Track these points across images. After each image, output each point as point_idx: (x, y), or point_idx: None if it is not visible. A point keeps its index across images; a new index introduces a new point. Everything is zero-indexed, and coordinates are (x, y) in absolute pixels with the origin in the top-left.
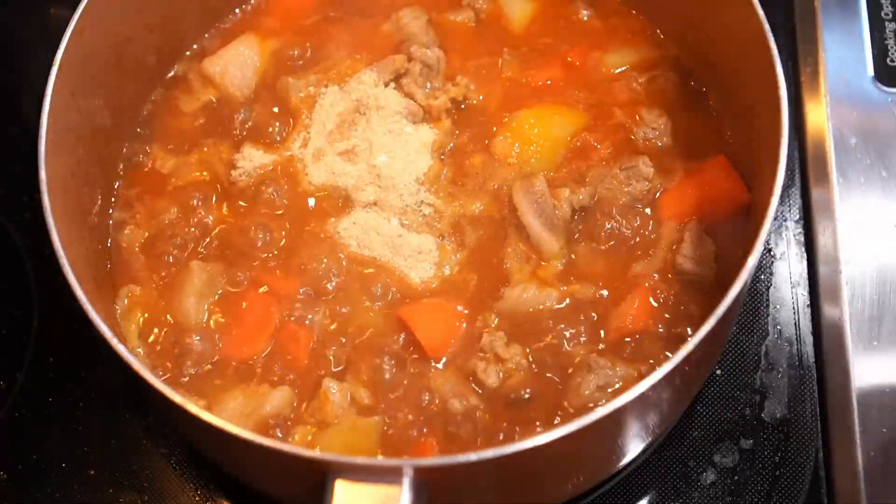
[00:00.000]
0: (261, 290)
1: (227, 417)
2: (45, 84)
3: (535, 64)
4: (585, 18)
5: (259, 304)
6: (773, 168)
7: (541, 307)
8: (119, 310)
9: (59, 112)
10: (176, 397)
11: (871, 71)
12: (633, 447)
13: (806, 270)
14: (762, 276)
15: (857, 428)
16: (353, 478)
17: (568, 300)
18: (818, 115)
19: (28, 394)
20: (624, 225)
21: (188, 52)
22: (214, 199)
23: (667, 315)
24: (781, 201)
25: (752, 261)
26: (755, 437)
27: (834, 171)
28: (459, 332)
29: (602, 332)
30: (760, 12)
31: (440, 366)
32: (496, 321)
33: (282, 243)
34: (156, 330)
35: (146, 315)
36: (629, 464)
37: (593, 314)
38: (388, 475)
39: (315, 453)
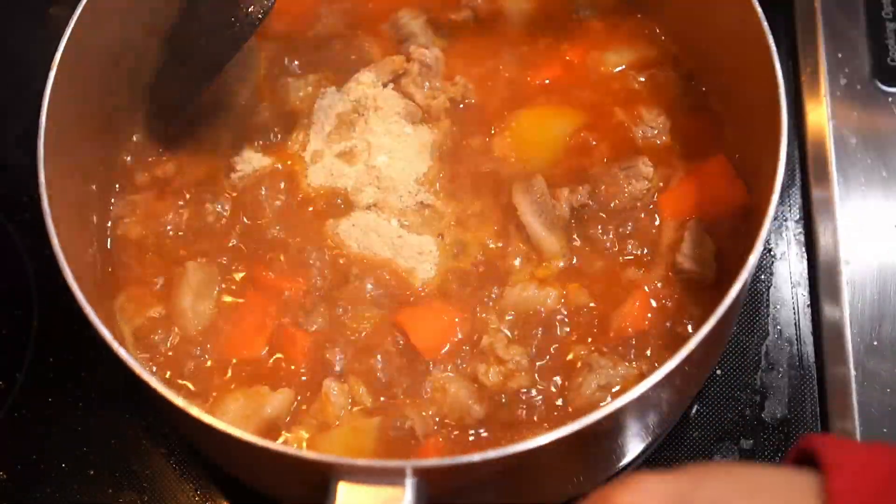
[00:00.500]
0: (259, 291)
1: (229, 419)
2: (45, 84)
3: (535, 63)
4: (584, 18)
5: (258, 306)
6: (773, 168)
7: (541, 307)
8: (119, 310)
9: (57, 114)
10: (178, 400)
11: (871, 70)
12: (633, 447)
13: (806, 270)
14: (762, 276)
15: (857, 428)
16: (355, 479)
17: (567, 300)
18: (818, 115)
19: (28, 394)
20: (623, 224)
21: None
22: (213, 200)
23: (667, 315)
24: (781, 201)
25: (752, 261)
26: (755, 438)
27: (834, 171)
28: (457, 334)
29: (602, 331)
30: (760, 12)
31: (440, 367)
32: (496, 321)
33: (281, 245)
34: (159, 331)
35: (146, 315)
36: (629, 464)
37: (594, 314)
38: (390, 476)
39: (317, 455)
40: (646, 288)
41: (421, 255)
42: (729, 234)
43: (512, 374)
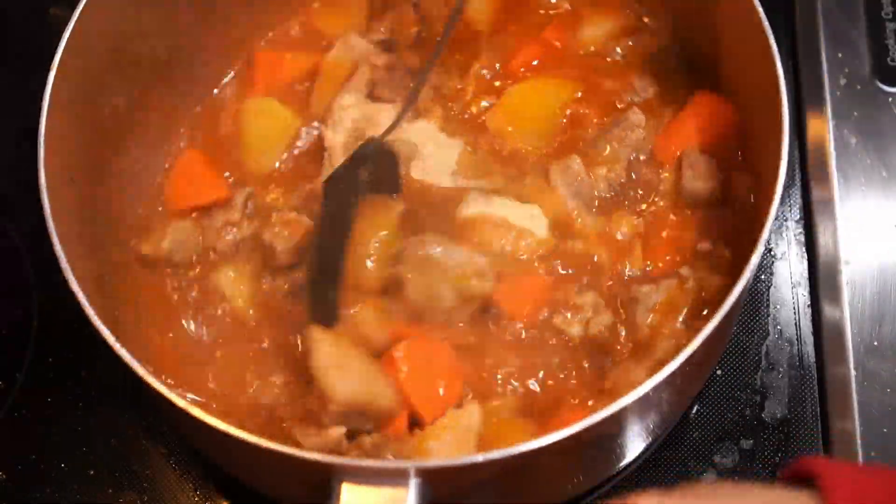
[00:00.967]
0: None
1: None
2: (45, 84)
3: (512, 51)
4: (553, 1)
5: None
6: (773, 168)
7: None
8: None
9: (57, 117)
10: (179, 402)
11: (871, 70)
12: (634, 447)
13: (806, 270)
14: (762, 277)
15: (857, 428)
16: (358, 480)
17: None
18: (818, 115)
19: (28, 394)
20: (634, 179)
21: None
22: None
23: (686, 241)
24: (782, 201)
25: (753, 261)
26: (755, 438)
27: (834, 171)
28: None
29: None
30: (760, 12)
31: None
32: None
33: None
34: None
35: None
36: (629, 464)
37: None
38: (393, 477)
39: (320, 456)
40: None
41: None
42: (729, 159)
43: (590, 319)
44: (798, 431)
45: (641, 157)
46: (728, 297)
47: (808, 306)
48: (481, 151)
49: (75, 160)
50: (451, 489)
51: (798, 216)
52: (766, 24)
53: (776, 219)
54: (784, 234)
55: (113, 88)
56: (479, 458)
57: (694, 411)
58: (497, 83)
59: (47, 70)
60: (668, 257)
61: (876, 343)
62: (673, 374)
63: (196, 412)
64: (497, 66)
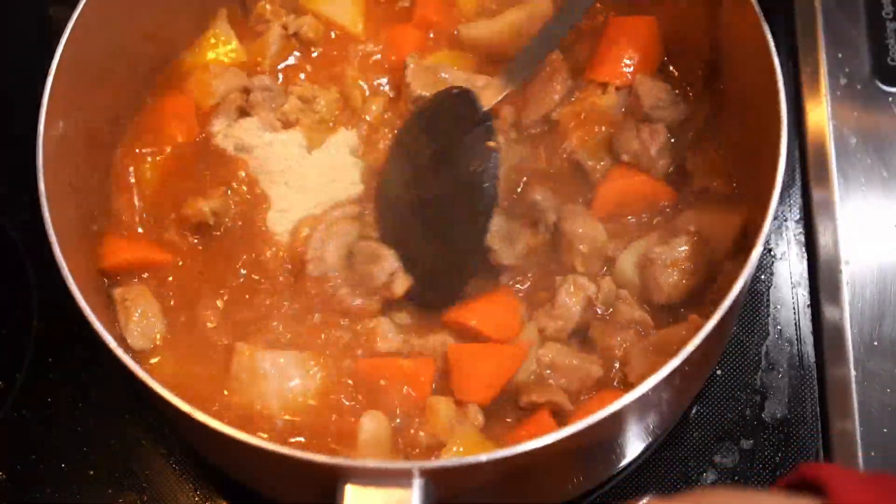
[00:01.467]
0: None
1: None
2: (45, 84)
3: (394, 41)
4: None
5: None
6: (773, 168)
7: None
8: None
9: (55, 123)
10: (183, 406)
11: (871, 70)
12: (634, 447)
13: (806, 270)
14: (762, 276)
15: (857, 428)
16: (363, 482)
17: None
18: (818, 115)
19: (28, 394)
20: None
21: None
22: None
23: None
24: (782, 201)
25: (753, 260)
26: (755, 438)
27: (834, 171)
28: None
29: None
30: (760, 12)
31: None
32: None
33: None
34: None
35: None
36: (629, 464)
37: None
38: (398, 478)
39: (325, 458)
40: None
41: None
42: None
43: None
44: (798, 431)
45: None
46: (727, 296)
47: (808, 306)
48: None
49: (74, 169)
50: (456, 489)
51: (798, 216)
52: (765, 25)
53: (776, 219)
54: (784, 234)
55: (108, 97)
56: (483, 457)
57: (694, 411)
58: None
59: (47, 69)
60: None
61: (876, 343)
62: (672, 374)
63: (200, 416)
64: None
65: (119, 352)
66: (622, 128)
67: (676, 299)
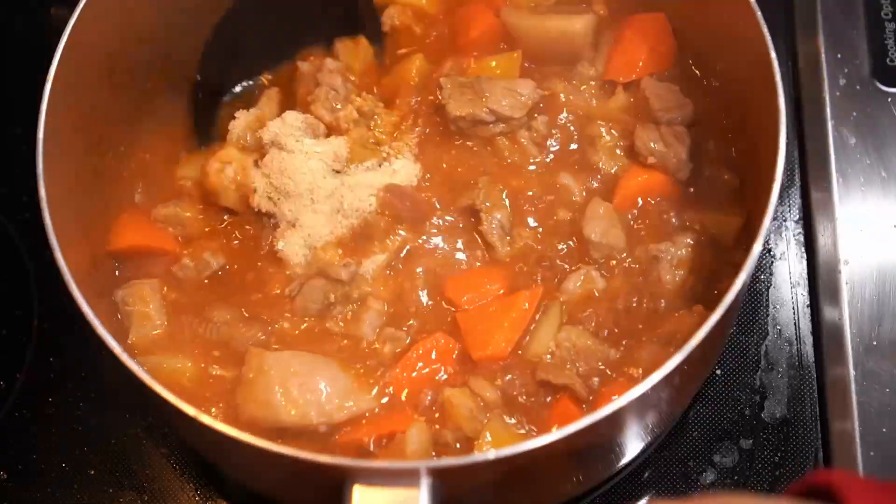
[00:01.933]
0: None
1: None
2: (44, 84)
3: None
4: None
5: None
6: (772, 168)
7: None
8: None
9: (55, 124)
10: (190, 410)
11: (870, 71)
12: (633, 447)
13: (806, 270)
14: (762, 276)
15: (856, 428)
16: (370, 482)
17: None
18: (818, 115)
19: (28, 394)
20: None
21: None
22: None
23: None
24: (781, 201)
25: (752, 260)
26: (755, 437)
27: (834, 171)
28: None
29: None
30: (759, 13)
31: None
32: None
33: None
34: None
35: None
36: (629, 463)
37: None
38: (405, 478)
39: (332, 459)
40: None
41: None
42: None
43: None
44: (797, 431)
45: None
46: (727, 296)
47: (808, 306)
48: None
49: (73, 174)
50: (461, 488)
51: (797, 216)
52: (765, 25)
53: (775, 219)
54: (783, 234)
55: (106, 102)
56: (491, 455)
57: (693, 411)
58: None
59: (47, 69)
60: None
61: (875, 343)
62: (672, 374)
63: (206, 419)
64: None
65: (119, 352)
66: (643, 129)
67: (681, 297)
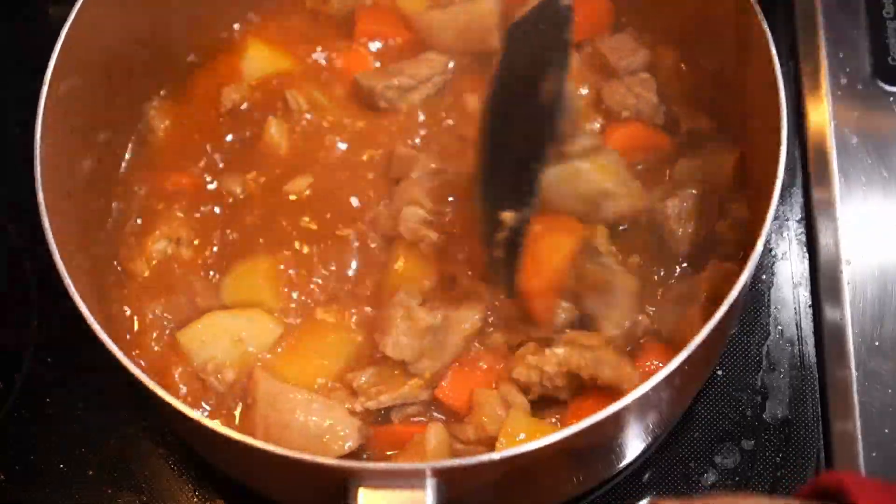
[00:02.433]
0: None
1: None
2: (44, 84)
3: None
4: None
5: None
6: (773, 168)
7: None
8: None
9: (54, 123)
10: (193, 413)
11: (872, 70)
12: (634, 448)
13: (807, 270)
14: (763, 277)
15: (858, 429)
16: (375, 485)
17: None
18: (819, 115)
19: (28, 394)
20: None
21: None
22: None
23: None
24: (783, 201)
25: (753, 260)
26: (756, 438)
27: (835, 171)
28: None
29: None
30: (760, 12)
31: None
32: None
33: None
34: None
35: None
36: (630, 464)
37: None
38: (410, 479)
39: (336, 461)
40: None
41: None
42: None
43: None
44: (799, 432)
45: None
46: (728, 296)
47: (809, 306)
48: None
49: (72, 178)
50: (464, 489)
51: (799, 216)
52: (765, 25)
53: (776, 219)
54: (785, 234)
55: (104, 105)
56: (496, 456)
57: (695, 411)
58: None
59: (46, 69)
60: None
61: (877, 343)
62: (673, 374)
63: (209, 423)
64: None
65: (118, 352)
66: (607, 86)
67: (695, 247)
